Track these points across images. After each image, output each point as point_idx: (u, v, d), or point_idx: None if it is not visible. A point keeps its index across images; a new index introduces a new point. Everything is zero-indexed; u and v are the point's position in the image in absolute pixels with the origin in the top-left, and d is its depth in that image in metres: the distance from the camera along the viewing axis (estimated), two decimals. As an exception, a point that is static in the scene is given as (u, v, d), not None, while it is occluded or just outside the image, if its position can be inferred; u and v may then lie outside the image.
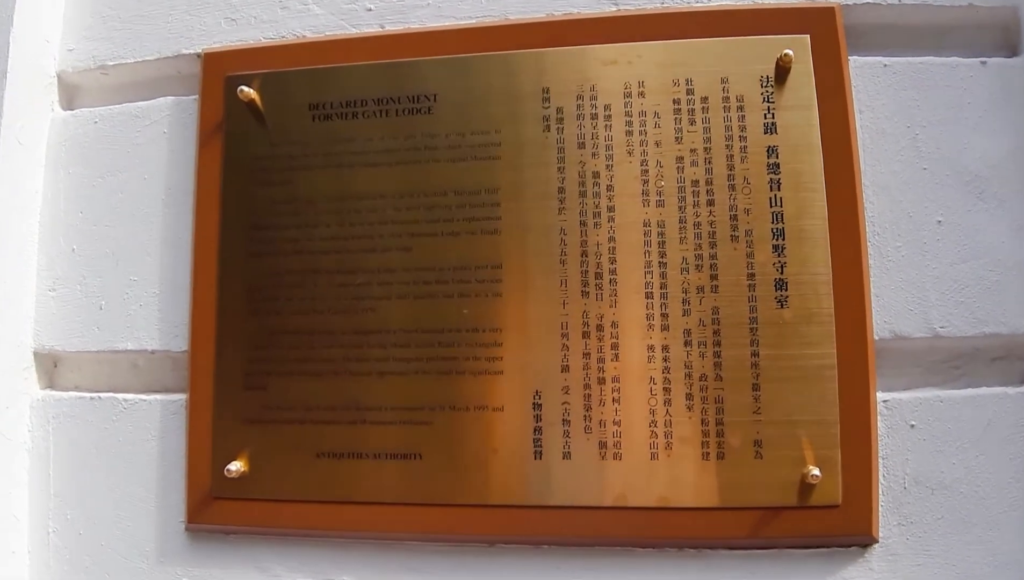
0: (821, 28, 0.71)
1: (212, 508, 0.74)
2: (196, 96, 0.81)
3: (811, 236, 0.69)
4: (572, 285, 0.71)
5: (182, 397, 0.77)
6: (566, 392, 0.70)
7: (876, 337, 0.68)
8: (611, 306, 0.70)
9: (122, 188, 0.81)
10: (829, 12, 0.71)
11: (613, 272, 0.71)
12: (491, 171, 0.73)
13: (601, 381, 0.70)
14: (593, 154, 0.72)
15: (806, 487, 0.66)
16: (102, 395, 0.79)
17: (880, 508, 0.67)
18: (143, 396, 0.78)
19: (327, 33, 0.80)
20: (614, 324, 0.70)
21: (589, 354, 0.70)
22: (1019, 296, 0.68)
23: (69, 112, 0.84)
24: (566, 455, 0.69)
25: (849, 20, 0.72)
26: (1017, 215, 0.69)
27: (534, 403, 0.70)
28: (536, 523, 0.70)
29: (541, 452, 0.70)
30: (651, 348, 0.70)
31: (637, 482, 0.68)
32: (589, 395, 0.70)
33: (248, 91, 0.76)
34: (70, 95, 0.86)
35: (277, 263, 0.75)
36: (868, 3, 0.72)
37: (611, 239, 0.71)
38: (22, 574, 0.76)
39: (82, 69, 0.84)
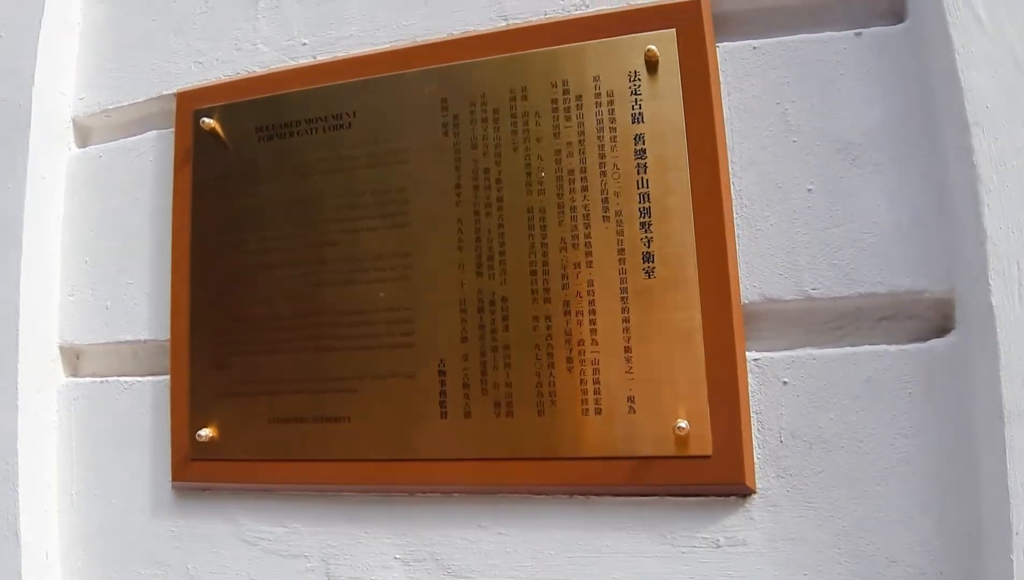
0: (686, 21, 0.76)
1: (190, 468, 0.87)
2: (173, 129, 0.95)
3: (676, 212, 0.74)
4: (468, 267, 0.80)
5: (166, 378, 0.91)
6: (465, 359, 0.78)
7: (745, 301, 0.72)
8: (501, 283, 0.78)
9: (119, 209, 0.96)
10: (695, 5, 0.76)
11: (502, 254, 0.79)
12: (401, 174, 0.83)
13: (495, 349, 0.78)
14: (484, 153, 0.81)
15: (678, 439, 0.71)
16: (108, 379, 0.94)
17: (756, 460, 0.71)
18: (139, 378, 0.93)
19: (272, 67, 0.91)
20: (504, 299, 0.78)
21: (484, 326, 0.78)
22: (899, 257, 0.70)
23: (81, 150, 1.00)
24: (467, 414, 0.78)
25: (719, 9, 0.76)
26: (892, 179, 0.71)
27: (439, 370, 0.79)
28: (446, 474, 0.78)
29: (446, 412, 0.78)
30: (535, 318, 0.77)
31: (527, 436, 0.76)
32: (485, 361, 0.78)
33: (209, 121, 0.89)
34: (84, 135, 1.02)
35: (238, 261, 0.88)
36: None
37: (500, 225, 0.79)
38: (51, 532, 0.92)
39: (91, 113, 1.00)
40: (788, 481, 0.70)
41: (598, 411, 0.74)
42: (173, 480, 0.87)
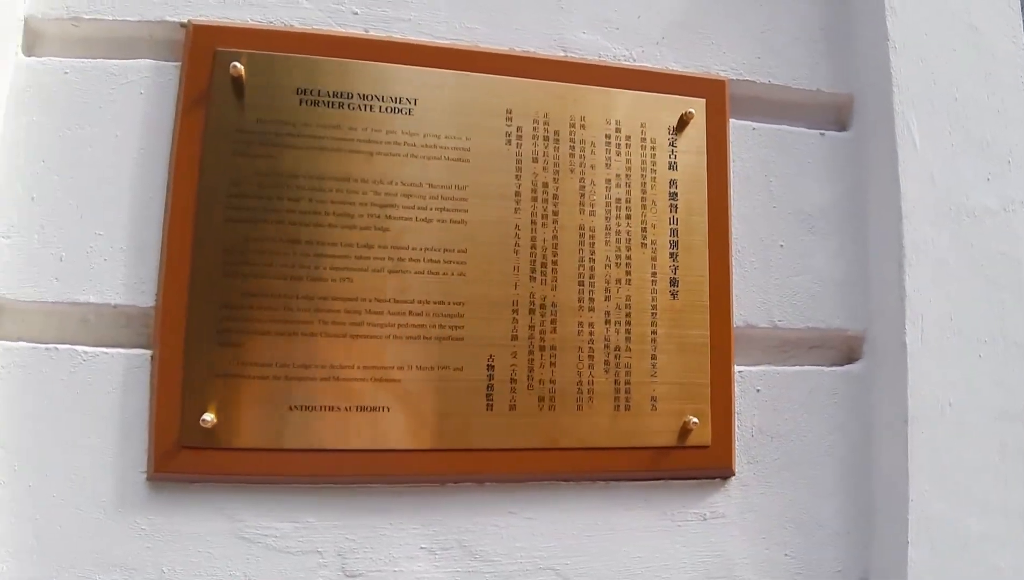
0: (714, 95, 0.92)
1: (180, 457, 0.74)
2: (178, 63, 0.80)
3: (695, 248, 0.89)
4: (523, 271, 0.84)
5: (145, 352, 0.77)
6: (514, 356, 0.82)
7: (735, 325, 0.90)
8: (552, 289, 0.85)
9: (91, 143, 0.78)
10: (720, 84, 0.92)
11: (555, 263, 0.85)
12: (461, 172, 0.84)
13: (542, 348, 0.83)
14: (544, 168, 0.86)
15: (686, 432, 0.85)
16: (59, 347, 0.75)
17: (736, 450, 0.88)
18: (105, 350, 0.75)
19: (315, 27, 0.84)
20: (553, 304, 0.84)
21: (534, 327, 0.83)
22: (833, 303, 0.93)
23: (35, 59, 0.78)
24: (512, 407, 0.82)
25: (732, 91, 0.94)
26: (834, 246, 0.94)
27: (488, 365, 0.82)
28: (485, 463, 0.81)
29: (492, 405, 0.81)
30: (580, 324, 0.85)
31: (566, 428, 0.83)
32: (532, 359, 0.83)
33: (239, 67, 0.78)
34: (31, 41, 0.79)
35: (255, 230, 0.78)
36: (746, 80, 0.94)
37: (554, 237, 0.85)
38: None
39: (52, 17, 0.78)
40: (755, 466, 0.89)
41: (627, 408, 0.85)
42: (155, 471, 0.73)
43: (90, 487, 0.73)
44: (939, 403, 0.84)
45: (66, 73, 0.78)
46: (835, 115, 0.98)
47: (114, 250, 0.77)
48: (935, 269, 0.86)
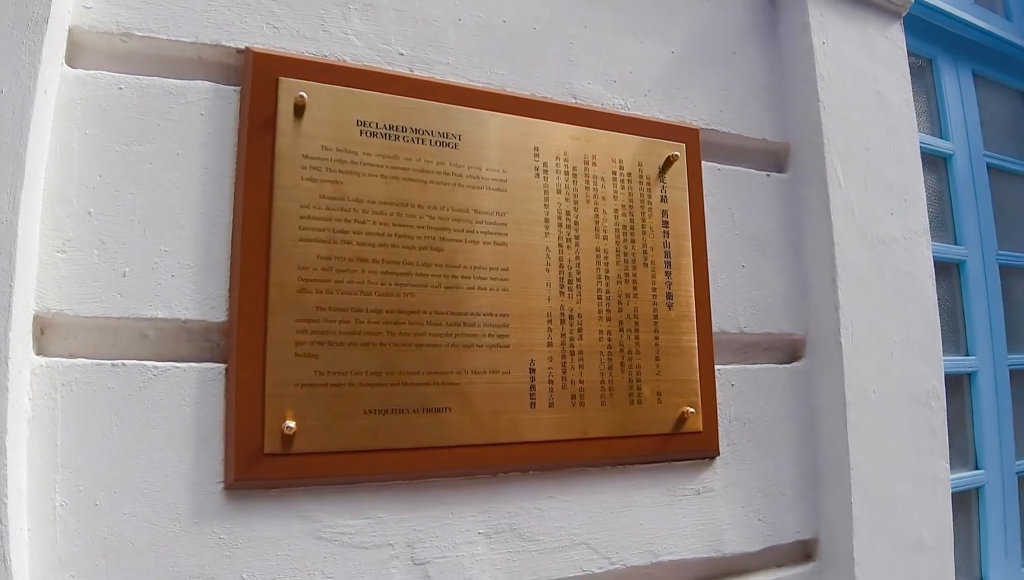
0: (691, 141, 1.11)
1: (262, 464, 0.78)
2: (236, 88, 0.84)
3: (683, 267, 1.07)
4: (554, 287, 0.97)
5: (217, 365, 0.79)
6: (550, 361, 0.94)
7: (714, 331, 1.09)
8: (578, 302, 0.98)
9: (150, 159, 0.79)
10: (695, 132, 1.11)
11: (579, 280, 0.99)
12: (500, 200, 0.95)
13: (572, 353, 0.96)
14: (566, 198, 1.00)
15: (683, 420, 1.02)
16: (126, 362, 0.75)
17: (720, 434, 1.06)
18: (176, 364, 0.77)
19: (364, 63, 0.91)
20: (579, 315, 0.98)
21: (565, 334, 0.96)
22: (782, 312, 1.15)
23: (83, 71, 0.78)
24: (551, 404, 0.94)
25: (702, 138, 1.13)
26: (779, 265, 1.16)
27: (530, 368, 0.93)
28: (529, 454, 0.92)
29: (535, 403, 0.93)
30: (600, 332, 0.99)
31: (593, 421, 0.96)
32: (565, 363, 0.95)
33: (304, 96, 0.84)
34: (71, 53, 0.79)
35: (326, 249, 0.84)
36: (712, 129, 1.13)
37: (577, 258, 0.99)
38: (20, 552, 0.68)
39: (99, 31, 0.79)
40: (733, 447, 1.08)
41: (639, 402, 1.00)
42: (236, 479, 0.76)
43: (164, 500, 0.74)
44: (867, 391, 1.08)
45: (121, 89, 0.79)
46: (775, 159, 1.21)
47: (181, 266, 0.79)
48: (859, 285, 1.11)
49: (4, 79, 0.67)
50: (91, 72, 0.78)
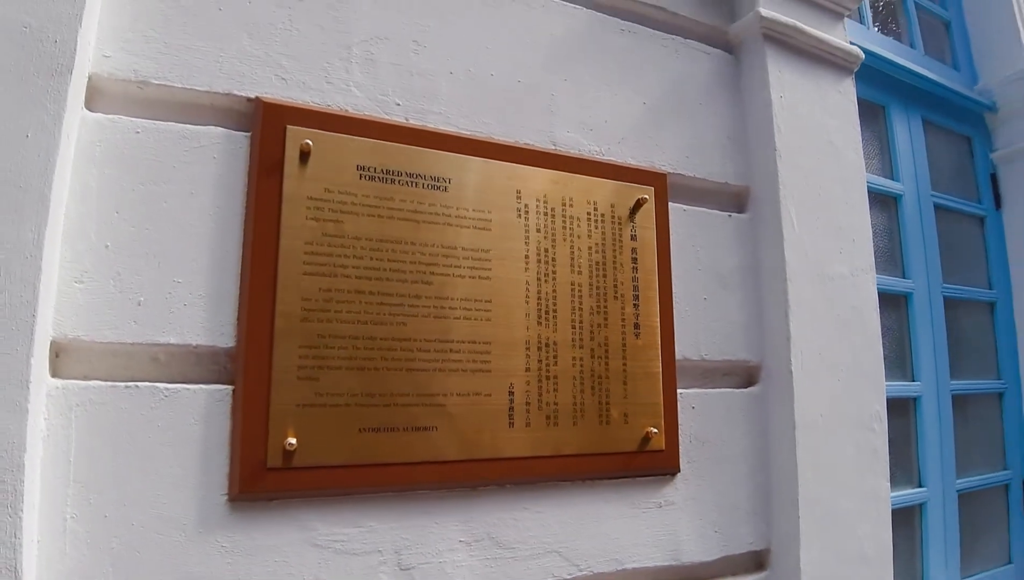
0: (659, 185, 1.21)
1: (265, 478, 0.85)
2: (246, 133, 0.92)
3: (650, 299, 1.17)
4: (532, 317, 1.06)
5: (225, 387, 0.87)
6: (527, 384, 1.03)
7: (677, 357, 1.18)
8: (553, 331, 1.07)
9: (165, 198, 0.87)
10: (663, 176, 1.22)
11: (555, 311, 1.08)
12: (485, 238, 1.04)
13: (547, 378, 1.05)
14: (544, 237, 1.09)
15: (647, 439, 1.11)
16: (140, 384, 0.82)
17: (680, 452, 1.15)
18: (186, 386, 0.85)
19: (364, 113, 1.00)
20: (555, 343, 1.07)
21: (541, 361, 1.05)
22: (739, 341, 1.25)
23: (102, 115, 0.85)
24: (528, 424, 1.02)
25: (670, 182, 1.24)
26: (739, 297, 1.27)
27: (509, 391, 1.02)
28: (506, 470, 1.00)
29: (513, 423, 1.01)
30: (574, 358, 1.08)
31: (566, 439, 1.05)
32: (541, 386, 1.04)
33: (309, 143, 0.93)
34: (91, 98, 0.86)
35: (327, 282, 0.92)
36: (678, 173, 1.24)
37: (554, 291, 1.08)
38: (30, 563, 0.74)
39: (118, 78, 0.86)
40: (692, 464, 1.17)
41: (608, 422, 1.09)
42: (240, 491, 0.83)
43: (171, 512, 0.81)
44: (815, 414, 1.19)
45: (137, 133, 0.87)
46: (736, 201, 1.32)
47: (193, 296, 0.86)
48: (810, 317, 1.21)
49: (31, 125, 0.74)
50: (110, 116, 0.85)
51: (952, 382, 1.70)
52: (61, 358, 0.81)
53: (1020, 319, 1.84)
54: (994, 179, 1.96)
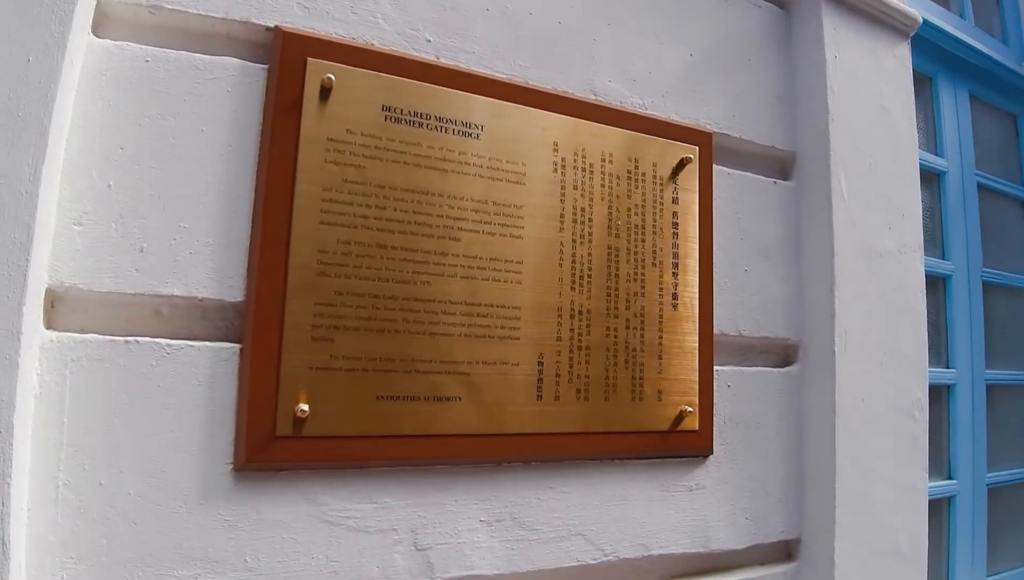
0: (704, 144, 1.14)
1: (273, 447, 0.79)
2: (264, 66, 0.84)
3: (690, 269, 1.10)
4: (565, 282, 0.99)
5: (232, 345, 0.80)
6: (558, 354, 0.97)
7: (715, 332, 1.13)
8: (587, 299, 1.01)
9: (174, 134, 0.79)
10: (708, 135, 1.14)
11: (589, 276, 1.01)
12: (518, 193, 0.97)
13: (580, 348, 0.99)
14: (582, 195, 1.02)
15: (681, 419, 1.06)
16: (140, 339, 0.76)
17: (714, 434, 1.10)
18: (191, 343, 0.78)
19: (393, 48, 0.92)
20: (589, 311, 1.00)
21: (574, 330, 0.99)
22: (779, 317, 1.19)
23: (110, 42, 0.77)
24: (557, 397, 0.96)
25: (715, 142, 1.16)
26: (780, 271, 1.21)
27: (539, 362, 0.96)
28: (533, 446, 0.95)
29: (542, 395, 0.95)
30: (607, 329, 1.02)
31: (596, 415, 0.99)
32: (572, 357, 0.98)
33: (332, 78, 0.85)
34: (97, 22, 0.78)
35: (347, 234, 0.85)
36: (724, 133, 1.17)
37: (589, 254, 1.02)
38: (19, 533, 0.68)
39: (128, 2, 0.78)
40: (726, 447, 1.12)
41: (641, 399, 1.03)
42: (246, 461, 0.77)
43: (171, 481, 0.75)
44: (856, 398, 1.13)
45: (147, 61, 0.79)
46: (781, 168, 1.25)
47: (200, 244, 0.79)
48: (855, 295, 1.16)
49: (33, 49, 0.67)
50: (118, 43, 0.77)
51: (987, 371, 1.66)
52: (56, 308, 0.74)
53: (1060, 308, 1.79)
54: (1039, 160, 1.90)
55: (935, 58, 1.69)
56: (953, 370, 1.59)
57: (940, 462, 1.57)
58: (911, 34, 1.34)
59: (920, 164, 1.49)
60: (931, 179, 1.66)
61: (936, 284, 1.62)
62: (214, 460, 0.77)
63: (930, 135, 1.68)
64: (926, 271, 1.40)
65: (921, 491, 1.20)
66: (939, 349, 1.60)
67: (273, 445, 0.78)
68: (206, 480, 0.76)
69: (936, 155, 1.66)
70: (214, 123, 0.81)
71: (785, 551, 1.17)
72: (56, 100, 0.68)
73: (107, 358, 0.73)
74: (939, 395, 1.59)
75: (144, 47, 0.78)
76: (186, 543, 0.75)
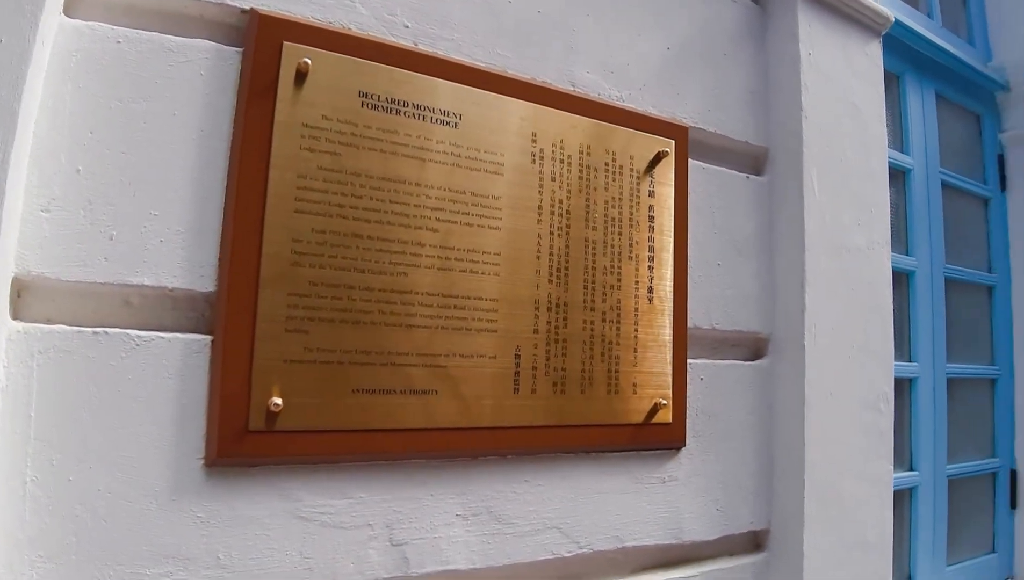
0: (680, 138, 1.16)
1: (245, 442, 0.78)
2: (238, 49, 0.83)
3: (665, 262, 1.12)
4: (543, 274, 1.00)
5: (203, 337, 0.79)
6: (535, 347, 0.98)
7: (688, 326, 1.15)
8: (564, 291, 1.02)
9: (145, 118, 0.77)
10: (684, 129, 1.16)
11: (566, 269, 1.02)
12: (496, 184, 0.97)
13: (556, 341, 1.00)
14: (560, 187, 1.03)
15: (655, 411, 1.08)
16: (108, 331, 0.74)
17: (687, 426, 1.13)
18: (160, 334, 0.77)
19: (370, 33, 0.91)
20: (565, 304, 1.02)
21: (550, 322, 1.00)
22: (750, 311, 1.22)
23: (81, 22, 0.75)
24: (533, 391, 0.97)
25: (690, 136, 1.18)
26: (753, 265, 1.24)
27: (516, 354, 0.97)
28: (509, 439, 0.96)
29: (519, 389, 0.96)
30: (584, 321, 1.03)
31: (572, 409, 1.01)
32: (549, 350, 0.99)
33: (308, 62, 0.84)
34: (69, 2, 0.75)
35: (322, 223, 0.84)
36: (699, 128, 1.19)
37: (567, 246, 1.03)
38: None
39: None
40: (698, 439, 1.15)
41: (616, 392, 1.05)
42: (218, 456, 0.77)
43: (141, 477, 0.74)
44: (825, 391, 1.17)
45: (119, 43, 0.77)
46: (754, 163, 1.28)
47: (171, 232, 0.78)
48: (825, 290, 1.19)
49: (5, 29, 0.64)
50: (89, 23, 0.75)
51: (948, 365, 1.73)
52: (23, 298, 0.72)
53: (1018, 305, 1.87)
54: (1001, 160, 1.97)
55: (903, 57, 1.74)
56: (915, 364, 1.65)
57: (902, 454, 1.63)
58: (883, 33, 1.38)
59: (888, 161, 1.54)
60: (897, 176, 1.71)
61: (900, 279, 1.67)
62: (185, 455, 0.76)
63: (897, 133, 1.73)
64: (891, 266, 1.44)
65: (887, 483, 1.25)
66: (902, 343, 1.66)
67: (246, 439, 0.78)
68: (177, 475, 0.75)
69: (902, 153, 1.72)
70: (186, 107, 0.79)
71: (754, 542, 1.20)
72: (27, 82, 0.66)
73: (75, 350, 0.72)
74: (902, 388, 1.65)
75: (116, 28, 0.76)
76: (157, 540, 0.74)
